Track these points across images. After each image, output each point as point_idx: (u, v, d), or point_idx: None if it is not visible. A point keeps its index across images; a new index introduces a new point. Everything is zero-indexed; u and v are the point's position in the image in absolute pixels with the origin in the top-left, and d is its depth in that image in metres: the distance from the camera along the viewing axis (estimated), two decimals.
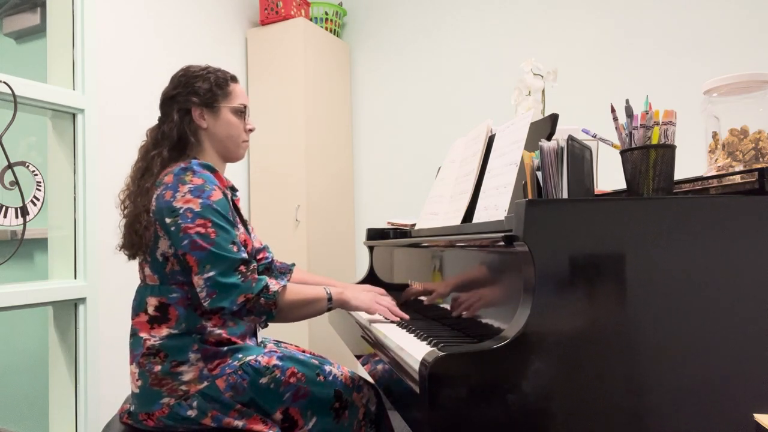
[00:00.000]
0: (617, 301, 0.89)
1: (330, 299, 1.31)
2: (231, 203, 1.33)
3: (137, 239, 1.24)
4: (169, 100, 1.35)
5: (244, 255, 1.21)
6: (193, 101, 1.33)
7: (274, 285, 1.22)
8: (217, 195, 1.23)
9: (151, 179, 1.27)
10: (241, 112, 1.39)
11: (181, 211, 1.19)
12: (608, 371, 0.87)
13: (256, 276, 1.21)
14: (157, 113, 1.39)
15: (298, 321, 1.30)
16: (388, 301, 1.41)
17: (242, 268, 1.19)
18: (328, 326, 2.74)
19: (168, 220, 1.20)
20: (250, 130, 1.42)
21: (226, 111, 1.36)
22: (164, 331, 1.22)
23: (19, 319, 2.37)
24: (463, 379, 0.83)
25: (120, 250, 1.31)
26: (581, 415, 0.86)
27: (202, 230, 1.18)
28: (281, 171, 2.81)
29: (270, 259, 1.59)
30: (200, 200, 1.20)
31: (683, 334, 0.90)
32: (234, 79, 1.41)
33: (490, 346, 0.83)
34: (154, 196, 1.24)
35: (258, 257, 1.55)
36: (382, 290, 1.55)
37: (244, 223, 1.41)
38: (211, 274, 1.17)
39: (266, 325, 1.30)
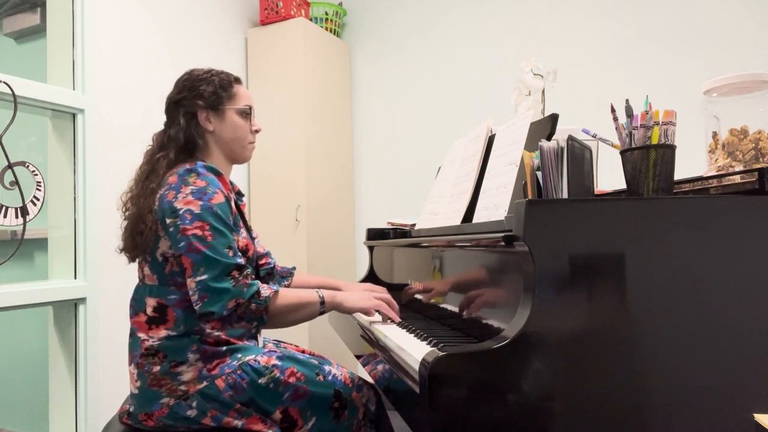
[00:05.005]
0: (617, 301, 0.89)
1: (322, 302, 1.29)
2: (236, 208, 1.33)
3: (141, 240, 1.24)
4: (175, 105, 1.36)
5: (240, 260, 1.21)
6: (199, 104, 1.34)
7: (265, 290, 1.22)
8: (218, 198, 1.23)
9: (156, 180, 1.27)
10: (246, 114, 1.39)
11: (180, 212, 1.19)
12: (608, 371, 0.87)
13: (248, 281, 1.20)
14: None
15: (293, 325, 1.29)
16: (386, 297, 1.38)
17: (235, 273, 1.19)
18: (328, 326, 2.74)
19: (168, 221, 1.21)
20: (256, 131, 1.42)
21: (232, 113, 1.37)
22: (162, 333, 1.22)
23: (19, 319, 2.37)
24: (463, 379, 0.83)
25: (121, 252, 1.31)
26: (581, 415, 0.86)
27: (200, 232, 1.18)
28: (281, 171, 2.81)
29: (272, 265, 1.60)
30: (201, 202, 1.20)
31: (683, 333, 0.90)
32: (238, 80, 1.41)
33: (490, 346, 0.83)
34: (158, 196, 1.24)
35: (261, 263, 1.56)
36: (383, 288, 1.55)
37: (248, 229, 1.41)
38: (203, 277, 1.16)
39: (258, 331, 1.30)
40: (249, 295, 1.18)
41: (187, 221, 1.18)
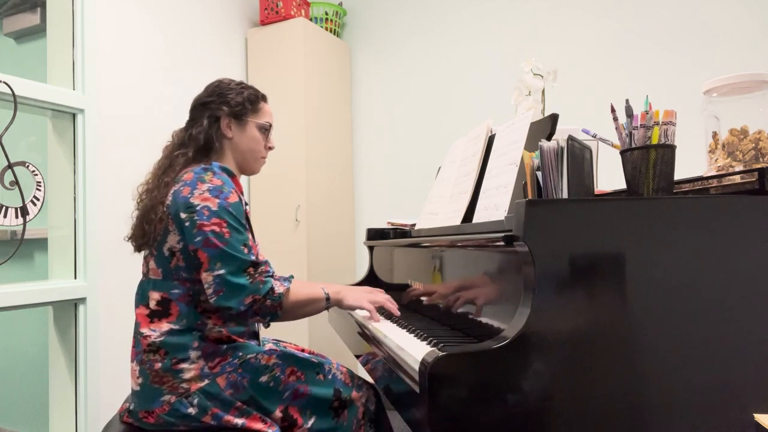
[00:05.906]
0: (617, 301, 0.89)
1: (328, 298, 1.35)
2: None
3: (150, 229, 1.26)
4: (201, 106, 1.40)
5: (254, 257, 1.24)
6: (224, 110, 1.38)
7: (279, 287, 1.25)
8: (233, 198, 1.26)
9: (171, 175, 1.31)
10: (265, 130, 1.44)
11: (197, 208, 1.22)
12: (608, 371, 0.87)
13: (263, 278, 1.23)
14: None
15: (300, 319, 1.34)
16: (383, 297, 1.42)
17: (251, 269, 1.22)
18: (328, 326, 2.74)
19: (183, 216, 1.22)
20: (270, 148, 1.47)
21: (252, 126, 1.41)
22: (164, 326, 1.23)
23: (19, 319, 2.37)
24: (463, 379, 0.83)
25: (128, 240, 1.33)
26: (581, 415, 0.86)
27: (217, 229, 1.21)
28: (281, 171, 2.81)
29: (270, 273, 1.60)
30: (218, 200, 1.23)
31: (683, 333, 0.90)
32: (264, 98, 1.47)
33: (490, 346, 0.83)
34: (171, 191, 1.27)
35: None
36: (381, 291, 1.55)
37: (252, 234, 1.43)
38: (221, 272, 1.19)
39: (268, 325, 1.32)
40: (265, 292, 1.22)
41: (205, 217, 1.21)
